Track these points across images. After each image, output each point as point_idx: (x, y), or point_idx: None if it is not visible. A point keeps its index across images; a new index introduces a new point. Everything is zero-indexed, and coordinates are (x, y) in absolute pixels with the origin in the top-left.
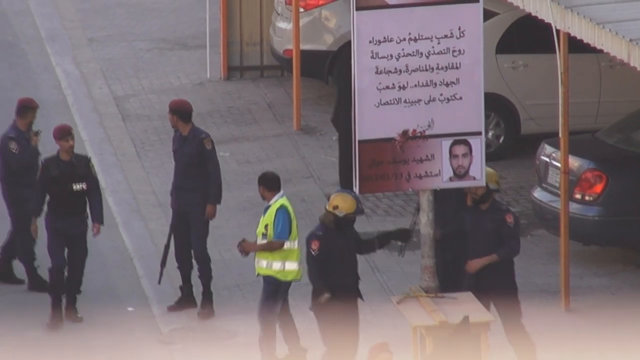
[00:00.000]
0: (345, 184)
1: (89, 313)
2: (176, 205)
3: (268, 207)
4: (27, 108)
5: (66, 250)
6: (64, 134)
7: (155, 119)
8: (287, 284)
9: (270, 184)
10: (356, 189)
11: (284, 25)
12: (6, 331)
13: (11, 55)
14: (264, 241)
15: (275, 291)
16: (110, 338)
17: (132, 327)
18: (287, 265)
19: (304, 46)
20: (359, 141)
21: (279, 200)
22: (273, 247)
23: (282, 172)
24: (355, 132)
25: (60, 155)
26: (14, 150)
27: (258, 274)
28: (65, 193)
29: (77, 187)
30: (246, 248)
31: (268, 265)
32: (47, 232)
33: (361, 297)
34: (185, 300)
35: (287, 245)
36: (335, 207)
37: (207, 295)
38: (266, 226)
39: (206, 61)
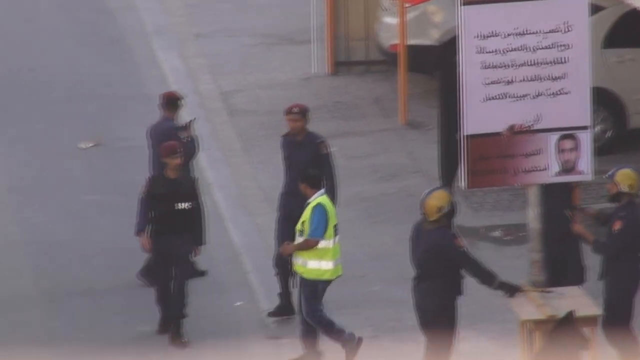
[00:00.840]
0: (446, 180)
1: (197, 308)
2: (285, 211)
3: (307, 204)
4: (174, 99)
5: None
6: (171, 151)
7: (262, 114)
8: (325, 283)
9: (313, 181)
10: (464, 184)
11: (390, 20)
12: (117, 325)
13: (117, 51)
14: (301, 239)
15: (313, 291)
16: (218, 332)
17: (240, 321)
18: (323, 264)
19: (410, 41)
20: (467, 136)
21: (317, 198)
22: (308, 245)
23: (388, 166)
24: (462, 127)
25: (166, 172)
26: (186, 140)
27: (295, 272)
28: (171, 211)
29: (181, 206)
30: (284, 251)
31: (303, 263)
32: (151, 252)
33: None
34: (284, 308)
35: (322, 243)
36: (440, 209)
37: None
38: (303, 223)
39: (312, 56)
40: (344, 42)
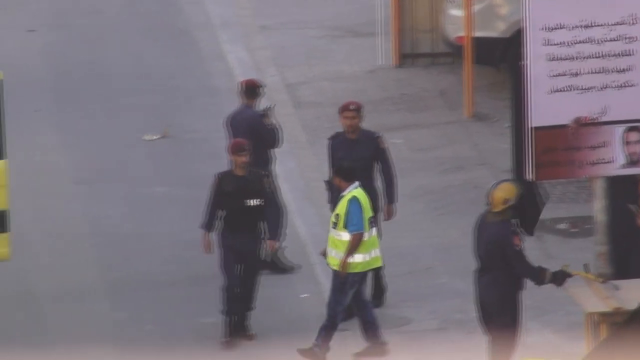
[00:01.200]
0: (518, 171)
1: (263, 299)
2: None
3: (341, 197)
4: (255, 87)
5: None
6: (238, 149)
7: (327, 106)
8: (354, 275)
9: (347, 174)
10: (530, 176)
11: (456, 12)
12: (182, 317)
13: (183, 43)
14: (334, 230)
15: (343, 283)
16: (284, 324)
17: (306, 313)
18: (355, 257)
19: (476, 33)
20: (533, 128)
21: (352, 191)
22: (355, 243)
23: (454, 159)
24: (528, 119)
25: (234, 170)
26: (270, 126)
27: (328, 264)
28: (239, 209)
29: (251, 202)
30: (342, 272)
31: (337, 255)
32: (220, 249)
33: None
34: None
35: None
36: (506, 201)
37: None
38: (337, 215)
39: (377, 48)
40: (409, 34)
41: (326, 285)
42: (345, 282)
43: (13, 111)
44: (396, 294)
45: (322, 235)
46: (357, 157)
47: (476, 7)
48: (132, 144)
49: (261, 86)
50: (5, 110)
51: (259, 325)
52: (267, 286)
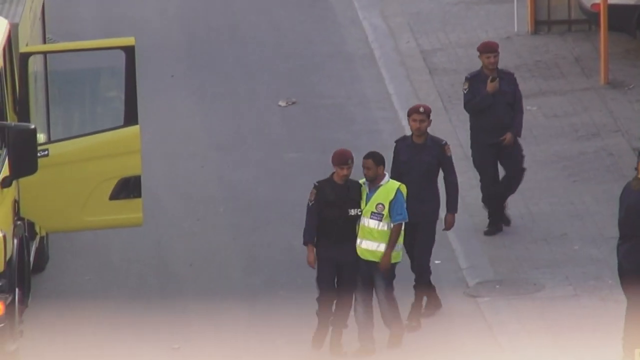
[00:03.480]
0: None
1: (397, 266)
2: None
3: (379, 186)
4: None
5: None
6: (342, 160)
7: (463, 72)
8: (394, 265)
9: (381, 160)
10: None
11: None
12: (261, 288)
13: (318, 9)
14: (372, 221)
15: (393, 273)
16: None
17: (439, 279)
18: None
19: (612, 0)
20: None
21: (393, 182)
22: (399, 233)
23: (588, 126)
24: None
25: (334, 178)
26: (464, 90)
27: (360, 258)
28: (341, 218)
29: (353, 212)
30: (384, 264)
31: (371, 246)
32: (317, 261)
33: None
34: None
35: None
36: None
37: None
38: (380, 205)
39: (514, 15)
40: (545, 1)
41: (459, 250)
42: (392, 271)
43: (148, 77)
44: (529, 261)
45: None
46: (422, 161)
47: None
48: (267, 109)
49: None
50: (139, 76)
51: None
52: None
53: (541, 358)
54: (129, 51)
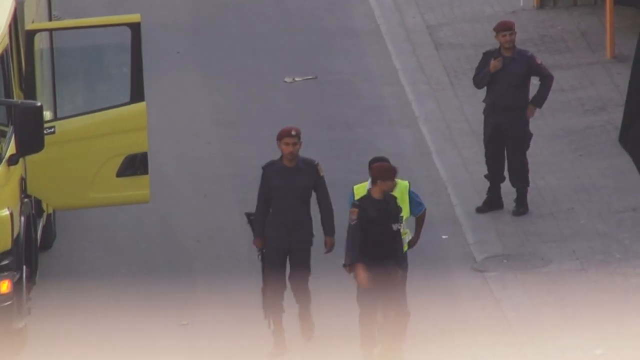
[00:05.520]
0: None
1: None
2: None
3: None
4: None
5: None
6: (390, 175)
7: (468, 47)
8: None
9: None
10: None
11: None
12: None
13: None
14: (400, 225)
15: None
16: (425, 264)
17: (446, 254)
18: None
19: None
20: None
21: (399, 181)
22: (424, 219)
23: (595, 100)
24: None
25: (373, 193)
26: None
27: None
28: (384, 234)
29: (395, 227)
30: (414, 243)
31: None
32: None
33: None
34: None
35: None
36: None
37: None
38: (398, 207)
39: None
40: None
41: (466, 225)
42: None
43: (154, 54)
44: (537, 235)
45: (462, 176)
46: (296, 185)
47: None
48: (273, 85)
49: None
50: (145, 53)
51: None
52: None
53: (549, 332)
54: (135, 28)
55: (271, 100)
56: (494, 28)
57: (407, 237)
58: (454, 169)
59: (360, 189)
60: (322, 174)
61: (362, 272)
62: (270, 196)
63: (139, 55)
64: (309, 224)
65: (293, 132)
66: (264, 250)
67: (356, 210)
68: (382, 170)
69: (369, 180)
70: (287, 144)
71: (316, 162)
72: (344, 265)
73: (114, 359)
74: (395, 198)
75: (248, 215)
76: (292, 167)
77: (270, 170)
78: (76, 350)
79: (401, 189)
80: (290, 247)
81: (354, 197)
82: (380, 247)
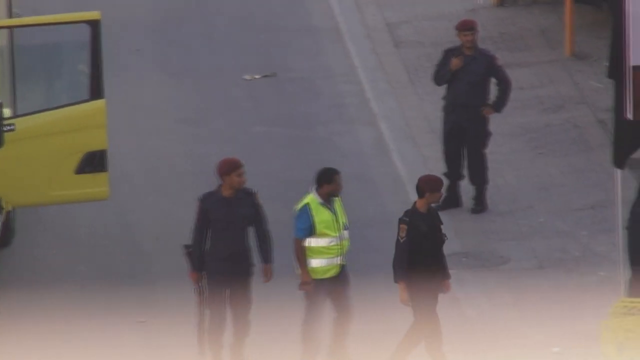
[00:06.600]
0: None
1: (363, 238)
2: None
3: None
4: None
5: None
6: (437, 187)
7: (428, 45)
8: None
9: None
10: (629, 115)
11: None
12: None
13: None
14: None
15: None
16: (384, 263)
17: None
18: None
19: None
20: (632, 67)
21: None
22: None
23: (554, 98)
24: (627, 58)
25: (419, 207)
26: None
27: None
28: (437, 247)
29: (444, 238)
30: None
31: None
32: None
33: None
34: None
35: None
36: None
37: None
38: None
39: None
40: None
41: None
42: None
43: (114, 51)
44: (496, 233)
45: (421, 173)
46: (238, 215)
47: None
48: (233, 83)
49: None
50: (104, 50)
51: (360, 263)
52: (367, 226)
53: (508, 331)
54: (95, 25)
55: (231, 98)
56: (455, 27)
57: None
58: (414, 167)
59: (312, 202)
60: (260, 201)
61: (404, 292)
62: (210, 228)
63: (99, 52)
64: (250, 253)
65: (241, 162)
66: (200, 285)
67: (405, 227)
68: (432, 182)
69: (314, 191)
70: (240, 175)
71: (254, 191)
72: (396, 282)
73: (72, 357)
74: (436, 210)
75: (186, 247)
76: (232, 198)
77: (210, 202)
78: (34, 348)
79: (338, 202)
80: (233, 279)
81: (310, 210)
82: (432, 262)
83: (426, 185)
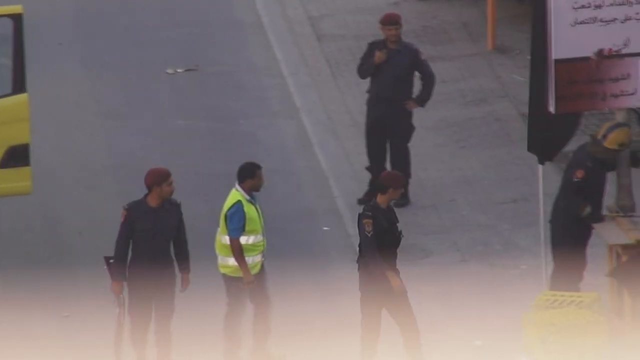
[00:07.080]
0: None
1: (285, 233)
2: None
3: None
4: None
5: None
6: (400, 184)
7: (350, 38)
8: None
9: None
10: (552, 108)
11: None
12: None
13: None
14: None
15: None
16: (307, 256)
17: (328, 246)
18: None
19: None
20: (555, 60)
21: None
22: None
23: (476, 91)
24: (550, 51)
25: (381, 203)
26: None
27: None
28: (396, 242)
29: (400, 235)
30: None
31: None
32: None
33: None
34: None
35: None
36: (622, 145)
37: None
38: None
39: None
40: None
41: (348, 217)
42: None
43: (36, 45)
44: (418, 226)
45: (344, 167)
46: (165, 226)
47: None
48: (155, 77)
49: None
50: (27, 44)
51: (282, 257)
52: (288, 219)
53: (430, 324)
54: (17, 19)
55: (153, 92)
56: (379, 21)
57: None
58: (336, 160)
59: (242, 198)
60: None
61: (395, 278)
62: (134, 239)
63: (21, 46)
64: (173, 263)
65: (170, 171)
66: (121, 295)
67: (370, 221)
68: (396, 179)
69: (238, 187)
70: (170, 184)
71: (179, 202)
72: (378, 273)
73: None
74: (392, 207)
75: (107, 259)
76: (159, 208)
77: (136, 213)
78: None
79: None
80: (157, 288)
81: (243, 207)
82: (395, 255)
83: (390, 181)
